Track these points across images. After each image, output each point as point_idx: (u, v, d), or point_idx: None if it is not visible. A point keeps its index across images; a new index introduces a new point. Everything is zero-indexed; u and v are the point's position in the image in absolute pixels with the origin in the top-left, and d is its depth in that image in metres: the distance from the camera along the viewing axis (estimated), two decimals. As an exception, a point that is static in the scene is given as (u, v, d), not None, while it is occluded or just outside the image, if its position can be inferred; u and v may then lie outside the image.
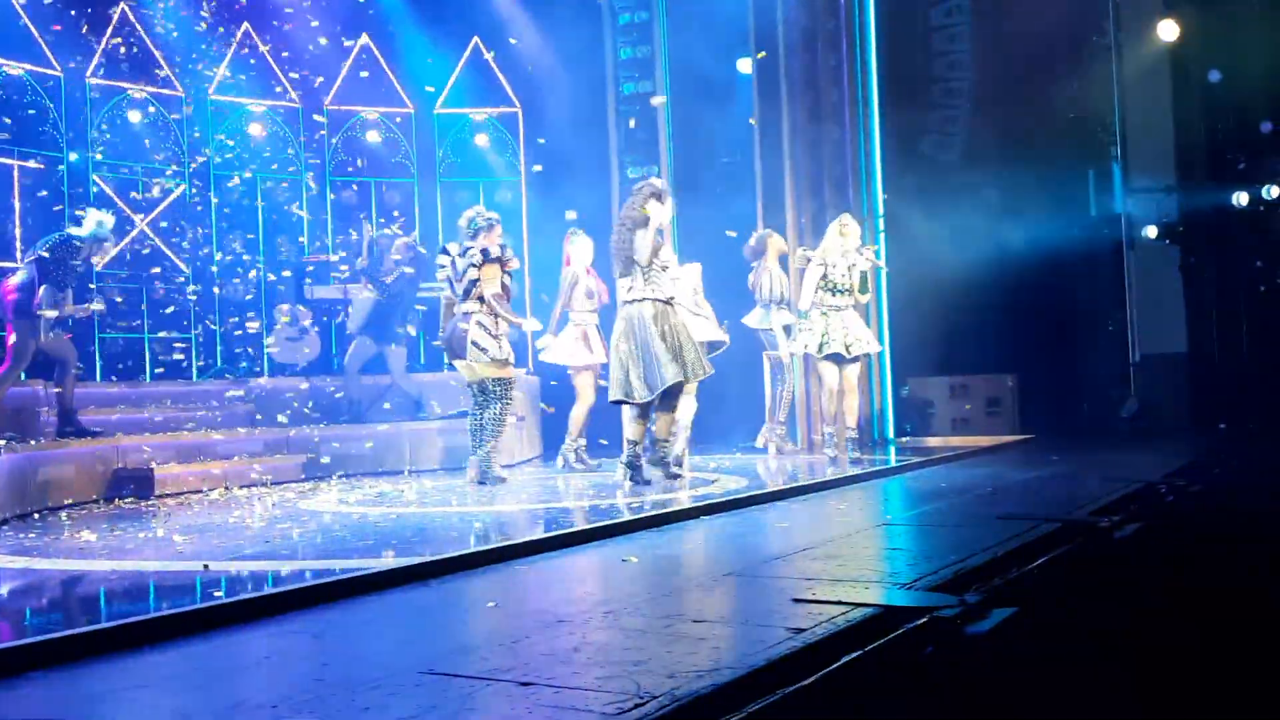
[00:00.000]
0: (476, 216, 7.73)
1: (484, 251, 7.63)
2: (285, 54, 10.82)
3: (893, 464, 8.86)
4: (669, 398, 7.21)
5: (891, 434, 11.90)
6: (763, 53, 10.81)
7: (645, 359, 7.06)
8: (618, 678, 2.87)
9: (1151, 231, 12.99)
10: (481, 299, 7.55)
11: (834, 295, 8.99)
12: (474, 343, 7.56)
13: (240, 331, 10.39)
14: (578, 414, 8.64)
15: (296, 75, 10.89)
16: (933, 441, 11.26)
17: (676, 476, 7.42)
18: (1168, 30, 12.64)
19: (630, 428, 7.34)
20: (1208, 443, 10.56)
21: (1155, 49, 12.91)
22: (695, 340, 7.39)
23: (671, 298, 7.27)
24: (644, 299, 7.12)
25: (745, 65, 11.05)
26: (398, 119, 11.46)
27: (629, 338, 7.12)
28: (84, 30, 9.62)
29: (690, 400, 7.94)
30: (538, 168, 10.59)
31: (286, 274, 10.68)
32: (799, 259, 9.37)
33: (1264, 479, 8.06)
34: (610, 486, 7.57)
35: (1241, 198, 12.48)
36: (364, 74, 11.21)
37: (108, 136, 9.77)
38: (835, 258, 9.00)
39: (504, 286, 7.69)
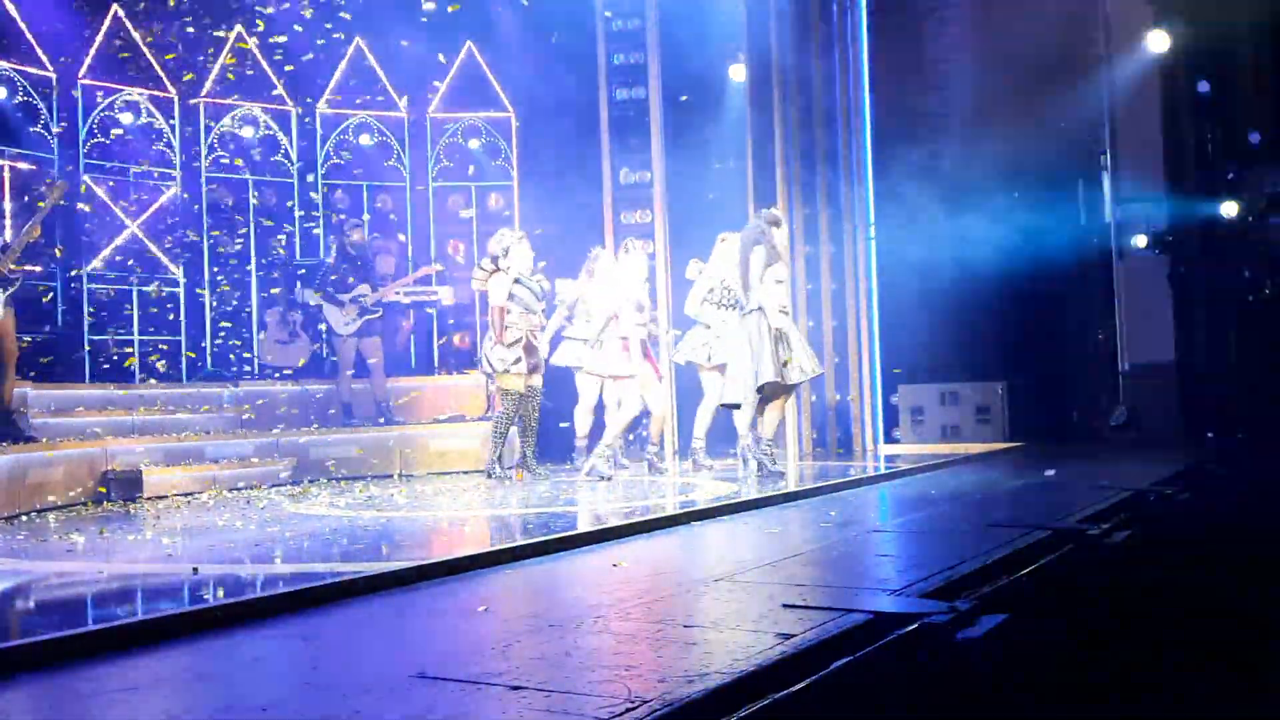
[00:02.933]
0: (505, 235, 8.36)
1: (481, 266, 8.22)
2: (278, 56, 10.80)
3: (883, 471, 8.87)
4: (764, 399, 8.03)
5: (881, 440, 11.94)
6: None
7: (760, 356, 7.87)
8: (609, 682, 2.87)
9: (1141, 241, 13.06)
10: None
11: (719, 309, 8.73)
12: (485, 354, 8.21)
13: (230, 334, 10.35)
14: (633, 419, 8.62)
15: (289, 78, 10.87)
16: (923, 448, 11.29)
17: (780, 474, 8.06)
18: (1158, 41, 12.72)
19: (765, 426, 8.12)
20: (1196, 452, 10.60)
21: (1145, 60, 12.99)
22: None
23: (783, 306, 8.10)
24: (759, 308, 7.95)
25: (738, 72, 11.07)
26: (390, 123, 11.45)
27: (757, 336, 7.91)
28: (77, 30, 9.58)
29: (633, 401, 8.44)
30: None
31: (276, 274, 10.66)
32: (691, 271, 9.17)
33: (1252, 488, 8.09)
34: (598, 491, 7.57)
35: (1230, 208, 12.56)
36: (354, 81, 11.20)
37: (99, 138, 9.73)
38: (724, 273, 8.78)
39: (513, 298, 8.08)
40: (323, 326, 10.49)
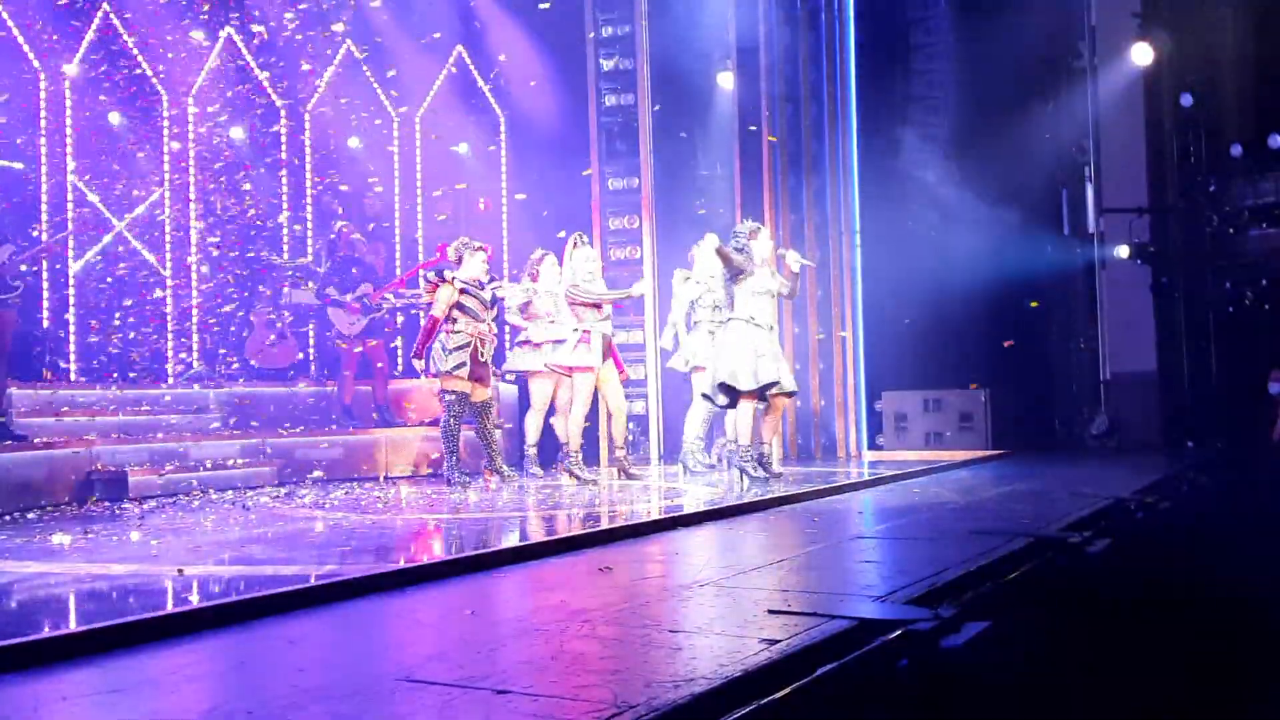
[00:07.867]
0: (459, 244, 8.37)
1: (427, 278, 8.28)
2: (268, 59, 10.78)
3: (867, 477, 8.92)
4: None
5: (865, 447, 11.99)
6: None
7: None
8: (594, 686, 2.89)
9: (1123, 251, 13.17)
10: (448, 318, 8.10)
11: (715, 312, 8.83)
12: (432, 356, 8.19)
13: (217, 336, 10.32)
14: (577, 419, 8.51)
15: (279, 80, 10.85)
16: (906, 455, 11.34)
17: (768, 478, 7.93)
18: (1142, 54, 12.84)
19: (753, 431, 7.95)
20: (1176, 461, 10.69)
21: (1129, 72, 13.12)
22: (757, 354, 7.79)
23: (753, 316, 7.90)
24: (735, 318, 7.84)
25: (726, 80, 11.13)
26: (380, 126, 11.45)
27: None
28: (65, 30, 9.55)
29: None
30: (520, 196, 10.76)
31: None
32: (678, 279, 9.19)
33: (1231, 497, 8.17)
34: (584, 494, 7.59)
35: (1212, 219, 12.68)
36: (344, 83, 11.20)
37: (87, 138, 9.69)
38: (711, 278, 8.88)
39: (461, 307, 8.11)
40: (311, 328, 10.48)
